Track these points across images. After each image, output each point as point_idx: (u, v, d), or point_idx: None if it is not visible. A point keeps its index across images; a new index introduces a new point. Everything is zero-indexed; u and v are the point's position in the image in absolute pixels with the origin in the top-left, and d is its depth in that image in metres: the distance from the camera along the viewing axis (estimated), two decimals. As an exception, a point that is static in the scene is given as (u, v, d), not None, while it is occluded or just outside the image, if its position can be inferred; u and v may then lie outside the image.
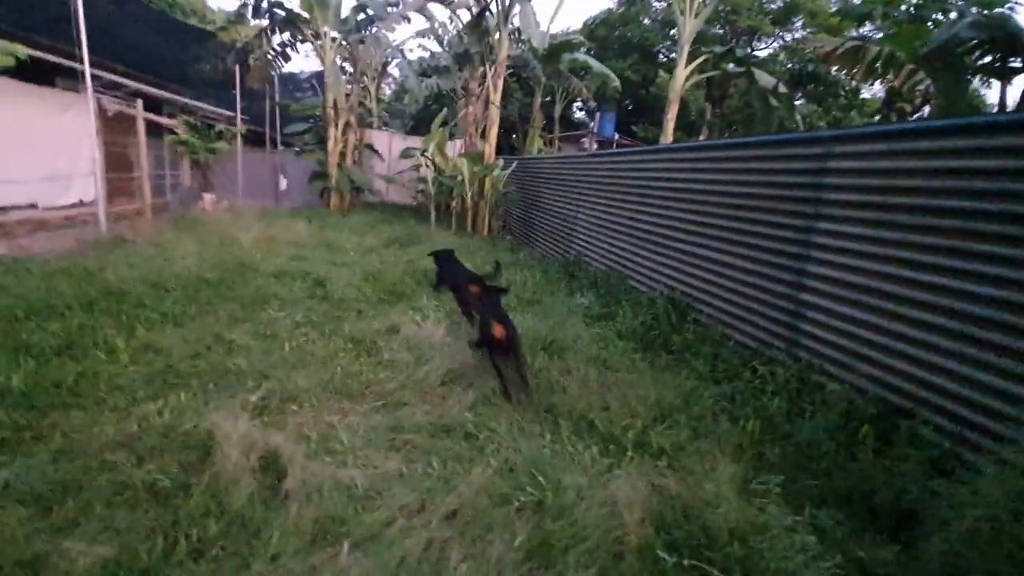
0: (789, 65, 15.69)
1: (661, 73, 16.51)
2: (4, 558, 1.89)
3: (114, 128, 10.37)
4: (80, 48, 7.54)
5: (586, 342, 4.47)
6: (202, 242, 7.52)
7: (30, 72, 8.53)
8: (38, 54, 7.15)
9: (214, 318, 4.65)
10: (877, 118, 14.19)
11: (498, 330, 3.64)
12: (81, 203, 10.08)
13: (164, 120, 12.38)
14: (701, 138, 16.46)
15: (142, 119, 10.17)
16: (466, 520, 2.34)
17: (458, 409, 3.39)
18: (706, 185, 4.91)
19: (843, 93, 15.44)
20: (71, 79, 9.49)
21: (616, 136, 19.46)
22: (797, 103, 14.30)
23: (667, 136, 10.54)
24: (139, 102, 9.81)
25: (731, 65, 10.45)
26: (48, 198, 9.34)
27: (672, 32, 18.48)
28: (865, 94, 17.24)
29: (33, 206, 9.00)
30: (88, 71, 7.26)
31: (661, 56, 20.09)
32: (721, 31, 19.29)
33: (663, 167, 5.77)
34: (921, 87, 8.69)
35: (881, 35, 9.42)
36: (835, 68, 9.11)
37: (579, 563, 1.98)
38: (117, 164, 10.80)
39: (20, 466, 2.44)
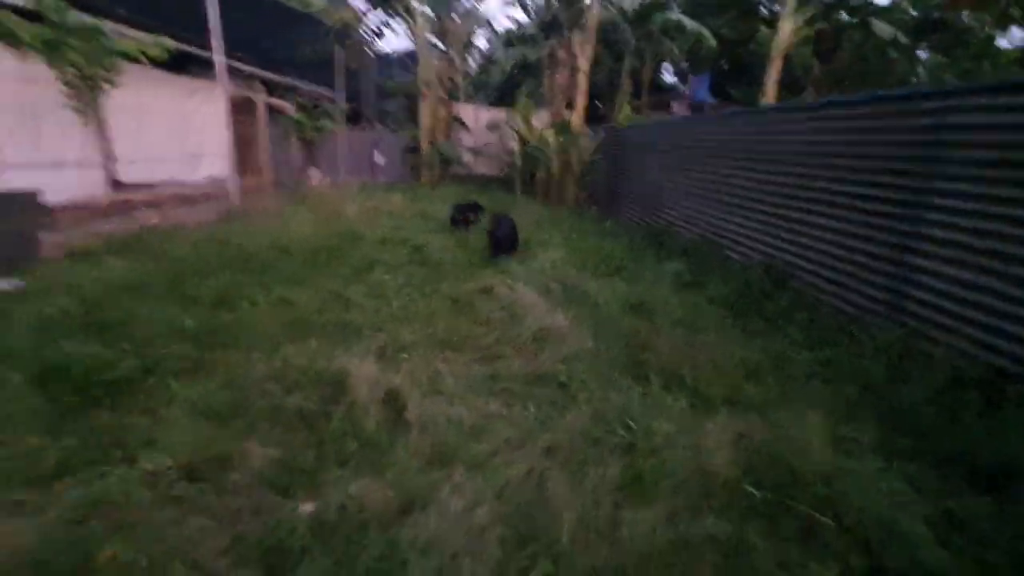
0: (912, 13, 13.80)
1: (762, 29, 15.26)
2: (201, 454, 2.41)
3: (237, 111, 11.54)
4: (211, 39, 8.47)
5: (675, 306, 4.53)
6: (314, 213, 8.30)
7: (168, 62, 9.73)
8: (180, 46, 8.14)
9: (331, 279, 5.23)
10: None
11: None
12: (214, 179, 11.42)
13: (278, 102, 13.55)
14: (806, 97, 15.13)
15: (263, 103, 11.18)
16: (563, 455, 2.59)
17: (551, 362, 3.64)
18: (807, 147, 4.69)
19: (974, 42, 13.36)
20: (200, 66, 10.68)
21: (710, 99, 18.42)
22: (921, 55, 12.65)
23: (768, 97, 9.88)
24: (260, 86, 10.76)
25: (844, 15, 9.48)
26: (187, 175, 10.68)
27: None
28: (1002, 42, 14.82)
29: (177, 183, 10.36)
30: (220, 60, 8.13)
31: (762, 10, 18.53)
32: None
33: (760, 130, 5.54)
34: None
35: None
36: (965, 14, 7.99)
37: (669, 494, 2.16)
38: (240, 143, 12.05)
39: (200, 390, 3.03)
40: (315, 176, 13.91)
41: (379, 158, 16.83)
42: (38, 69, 6.27)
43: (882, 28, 8.49)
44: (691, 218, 7.05)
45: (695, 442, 2.51)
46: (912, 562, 1.82)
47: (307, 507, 2.12)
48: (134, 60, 5.79)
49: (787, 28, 9.29)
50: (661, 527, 1.97)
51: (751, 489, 2.07)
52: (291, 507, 2.12)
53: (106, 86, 5.69)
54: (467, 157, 15.92)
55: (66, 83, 5.39)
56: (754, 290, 4.83)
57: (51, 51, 4.75)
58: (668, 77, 23.60)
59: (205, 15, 8.00)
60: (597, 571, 1.86)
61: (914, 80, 8.59)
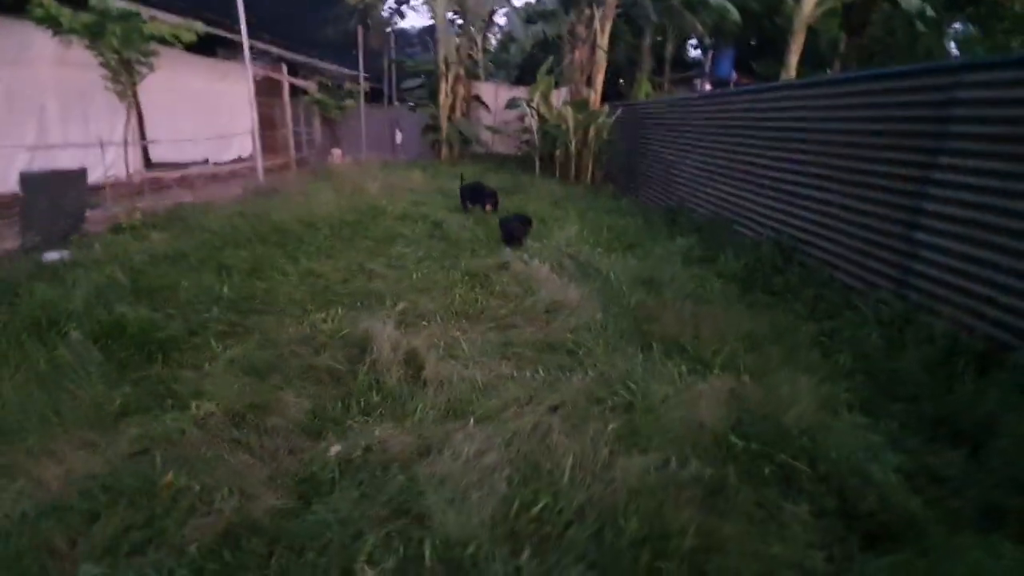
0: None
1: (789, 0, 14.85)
2: (242, 402, 2.70)
3: (262, 91, 11.83)
4: (238, 22, 8.68)
5: (684, 280, 4.67)
6: (337, 190, 8.57)
7: (196, 45, 10.03)
8: (209, 29, 8.39)
9: (355, 251, 5.50)
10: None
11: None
12: (240, 159, 11.80)
13: (301, 83, 13.80)
14: (831, 72, 14.74)
15: (287, 83, 11.41)
16: (567, 412, 2.81)
17: (561, 332, 3.84)
18: (819, 123, 4.73)
19: (1008, 15, 12.75)
20: (227, 48, 10.96)
21: (734, 75, 18.05)
22: (955, 27, 12.16)
23: (789, 72, 9.70)
24: (283, 67, 10.99)
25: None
26: (216, 154, 11.08)
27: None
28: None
29: (206, 162, 10.76)
30: (246, 42, 8.37)
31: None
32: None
33: (774, 106, 5.56)
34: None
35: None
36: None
37: (661, 444, 2.37)
38: (265, 123, 12.37)
39: (239, 351, 3.32)
40: (337, 155, 14.20)
41: (399, 137, 17.02)
42: (81, 55, 6.62)
43: (909, 1, 8.24)
44: (705, 195, 7.10)
45: (690, 399, 2.71)
46: (882, 506, 2.00)
47: (335, 448, 2.39)
48: (168, 44, 6.05)
49: (809, 4, 9.09)
50: (651, 470, 2.18)
51: (735, 439, 2.25)
52: (322, 447, 2.39)
53: (143, 70, 5.97)
54: (486, 135, 16.00)
55: (106, 67, 5.67)
56: (764, 265, 4.93)
57: (93, 36, 5.02)
58: (693, 52, 23.10)
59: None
60: (592, 503, 2.08)
61: (942, 55, 8.32)
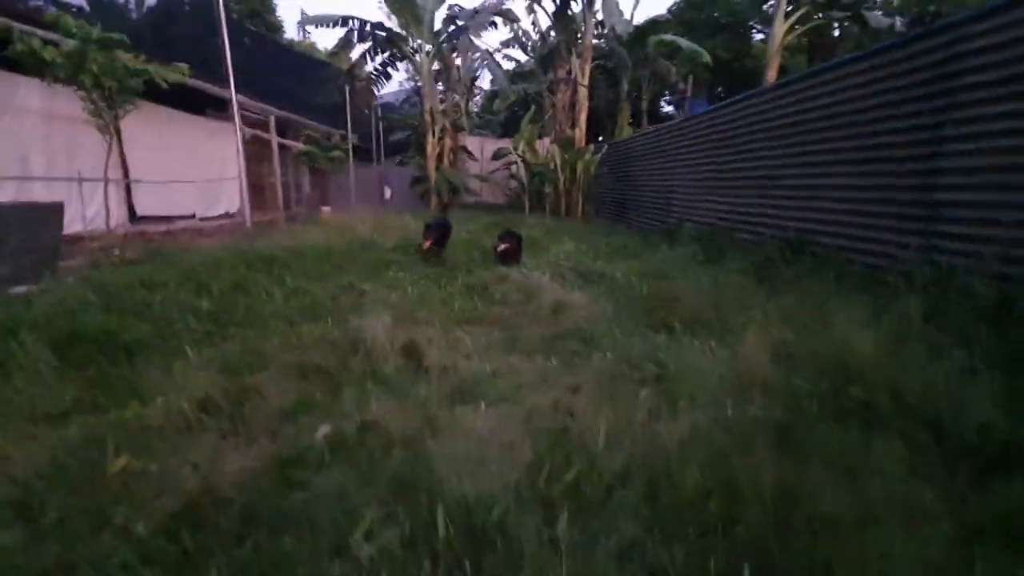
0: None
1: (757, 43, 15.69)
2: (216, 390, 2.33)
3: (250, 150, 11.95)
4: (228, 82, 8.85)
5: (695, 275, 4.44)
6: (327, 231, 8.41)
7: (186, 103, 10.18)
8: (198, 84, 8.53)
9: (346, 275, 5.22)
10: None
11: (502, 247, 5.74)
12: (228, 214, 11.71)
13: (289, 142, 14.04)
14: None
15: (275, 140, 11.56)
16: (590, 389, 2.46)
17: (571, 325, 3.54)
18: (814, 114, 4.70)
19: None
20: (216, 108, 11.15)
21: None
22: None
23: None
24: (272, 120, 11.16)
25: (835, 12, 9.69)
26: (203, 209, 10.98)
27: (766, 6, 17.51)
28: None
29: (193, 216, 10.63)
30: (234, 102, 8.48)
31: (754, 31, 19.14)
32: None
33: (764, 110, 5.58)
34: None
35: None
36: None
37: (708, 401, 2.03)
38: (253, 181, 12.41)
39: (217, 353, 2.97)
40: (327, 212, 14.20)
41: (388, 193, 17.20)
42: (65, 106, 6.60)
43: (878, 20, 8.66)
44: (701, 210, 7.02)
45: (728, 363, 2.39)
46: (983, 436, 1.67)
47: (324, 428, 2.02)
48: (153, 84, 6.03)
49: (780, 29, 9.52)
50: (702, 422, 1.84)
51: (799, 382, 1.93)
52: (308, 428, 2.02)
53: (128, 107, 5.89)
54: (475, 184, 16.21)
55: (87, 98, 5.57)
56: (774, 260, 4.72)
57: (74, 66, 4.96)
58: (667, 108, 24.15)
59: (222, 60, 8.39)
60: (637, 465, 1.72)
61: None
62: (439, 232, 6.24)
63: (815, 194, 4.67)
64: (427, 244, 6.07)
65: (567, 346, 3.12)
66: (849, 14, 9.27)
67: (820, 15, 9.72)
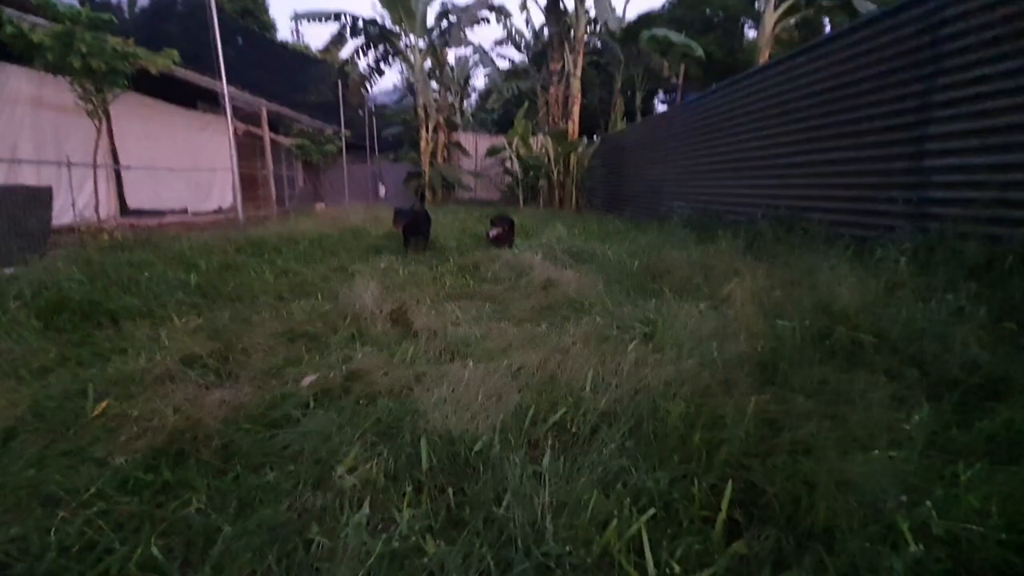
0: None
1: (748, 37, 15.77)
2: (200, 348, 2.31)
3: (243, 144, 11.91)
4: (219, 76, 8.79)
5: (685, 249, 4.44)
6: (320, 221, 8.38)
7: (177, 97, 10.13)
8: (189, 76, 8.49)
9: (336, 259, 5.20)
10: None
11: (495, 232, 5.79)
12: (220, 209, 11.65)
13: (282, 139, 13.99)
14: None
15: (268, 135, 11.52)
16: (579, 346, 2.46)
17: (563, 295, 3.53)
18: (801, 91, 4.72)
19: None
20: (209, 102, 11.10)
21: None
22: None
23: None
24: (263, 112, 11.11)
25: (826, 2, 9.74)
26: (195, 204, 10.92)
27: (757, 2, 17.60)
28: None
29: (185, 211, 10.57)
30: (226, 96, 8.44)
31: (747, 27, 19.21)
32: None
33: (750, 93, 5.60)
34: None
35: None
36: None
37: (695, 347, 2.03)
38: (246, 176, 12.36)
39: (203, 321, 2.95)
40: (321, 208, 14.17)
41: (382, 190, 17.17)
42: (51, 93, 6.56)
43: (865, 6, 8.72)
44: (694, 196, 7.03)
45: (716, 319, 2.39)
46: (969, 370, 1.67)
47: (309, 378, 2.01)
48: (144, 75, 5.99)
49: (770, 20, 9.56)
50: (687, 364, 1.83)
51: (783, 323, 1.93)
52: (294, 380, 2.00)
53: (117, 90, 5.83)
54: (469, 179, 16.21)
55: (76, 82, 5.52)
56: (765, 236, 4.73)
57: (63, 47, 4.91)
58: (660, 106, 24.24)
59: (213, 50, 8.35)
60: (622, 405, 1.71)
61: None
62: (408, 219, 5.93)
63: (806, 171, 4.69)
64: (396, 227, 5.78)
65: (558, 314, 3.11)
66: (838, 3, 9.33)
67: (809, 3, 9.78)
